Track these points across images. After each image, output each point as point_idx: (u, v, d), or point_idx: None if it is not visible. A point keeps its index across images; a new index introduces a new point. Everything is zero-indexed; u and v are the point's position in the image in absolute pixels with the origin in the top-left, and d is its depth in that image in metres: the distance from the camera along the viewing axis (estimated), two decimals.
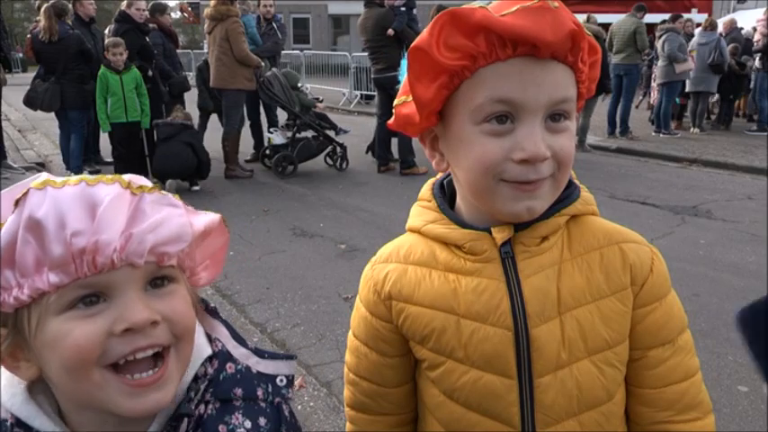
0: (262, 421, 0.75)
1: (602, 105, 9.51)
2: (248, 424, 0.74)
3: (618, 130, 9.92)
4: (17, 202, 0.60)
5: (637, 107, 10.63)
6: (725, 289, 3.99)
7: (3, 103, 7.64)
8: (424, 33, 0.78)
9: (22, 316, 0.63)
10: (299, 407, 2.70)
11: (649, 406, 0.88)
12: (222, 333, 0.80)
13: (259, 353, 0.81)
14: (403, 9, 7.24)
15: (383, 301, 0.91)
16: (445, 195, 0.94)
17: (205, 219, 0.74)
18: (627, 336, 0.86)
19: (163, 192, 0.68)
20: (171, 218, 0.67)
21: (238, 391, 0.75)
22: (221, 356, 0.77)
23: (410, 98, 0.82)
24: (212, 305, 0.82)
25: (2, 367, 0.68)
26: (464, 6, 0.76)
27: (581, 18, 9.68)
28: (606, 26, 9.82)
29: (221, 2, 6.89)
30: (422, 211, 0.93)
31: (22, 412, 0.66)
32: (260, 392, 0.77)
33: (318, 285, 4.09)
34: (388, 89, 7.03)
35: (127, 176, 0.66)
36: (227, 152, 7.25)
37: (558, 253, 0.85)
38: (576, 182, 0.90)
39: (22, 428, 0.65)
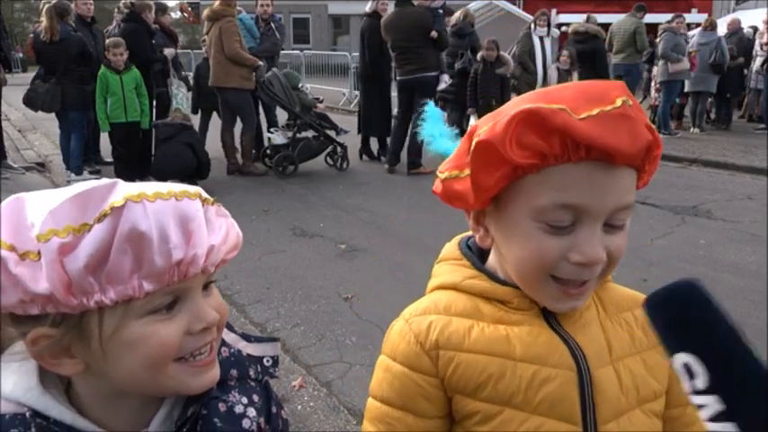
0: (255, 398, 0.82)
1: None
2: (245, 400, 0.81)
3: None
4: (107, 212, 0.62)
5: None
6: (725, 289, 3.99)
7: (3, 103, 7.64)
8: (498, 128, 0.75)
9: (91, 317, 0.65)
10: (299, 407, 2.71)
11: None
12: None
13: (246, 337, 0.88)
14: (441, 11, 7.24)
15: (427, 352, 0.84)
16: (474, 254, 0.92)
17: (236, 227, 0.80)
18: (665, 390, 0.86)
19: (217, 203, 0.75)
20: (230, 228, 0.75)
21: (234, 372, 0.82)
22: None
23: (463, 174, 0.81)
24: None
25: (3, 368, 0.70)
26: (545, 107, 0.73)
27: (581, 18, 9.71)
28: (606, 26, 9.82)
29: (222, 2, 6.92)
30: (454, 269, 0.91)
31: (39, 404, 0.69)
32: (252, 372, 0.84)
33: (318, 285, 4.09)
34: (419, 89, 6.94)
35: (194, 188, 0.71)
36: (244, 147, 7.39)
37: (595, 313, 0.86)
38: None
39: (41, 419, 0.68)
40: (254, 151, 8.03)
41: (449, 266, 0.92)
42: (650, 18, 10.47)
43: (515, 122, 0.74)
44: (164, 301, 0.68)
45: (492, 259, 0.90)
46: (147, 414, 0.75)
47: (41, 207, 0.63)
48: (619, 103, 0.72)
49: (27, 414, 0.68)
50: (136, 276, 0.64)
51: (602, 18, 10.58)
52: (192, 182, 6.59)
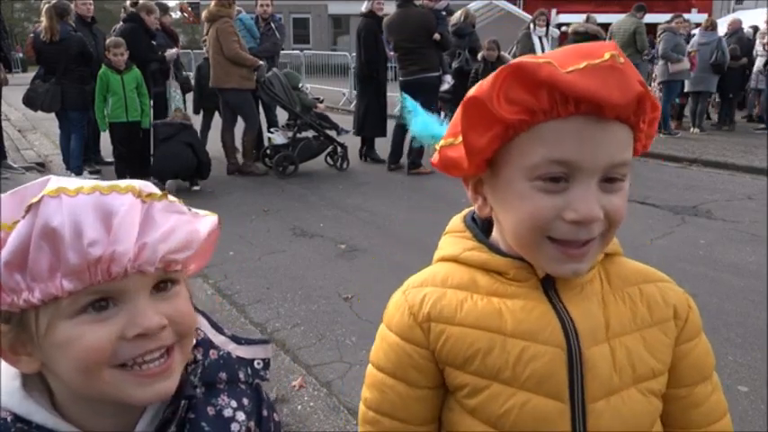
0: (245, 401, 0.80)
1: None
2: (234, 404, 0.79)
3: None
4: (29, 208, 0.60)
5: None
6: (725, 289, 3.99)
7: (3, 102, 7.64)
8: (485, 83, 0.75)
9: (29, 316, 0.64)
10: (299, 407, 2.71)
11: None
12: (202, 323, 0.84)
13: (236, 339, 0.86)
14: (444, 13, 7.25)
15: (419, 324, 0.86)
16: (478, 227, 0.92)
17: (207, 223, 0.75)
18: (668, 368, 0.86)
19: (171, 198, 0.70)
20: (180, 226, 0.69)
21: (222, 375, 0.80)
22: (204, 344, 0.81)
23: (458, 141, 0.80)
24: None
25: None
26: (529, 60, 0.73)
27: (581, 18, 9.72)
28: (606, 26, 9.82)
29: (216, 3, 6.95)
30: (456, 241, 0.91)
31: (21, 409, 0.67)
32: (241, 375, 0.82)
33: (318, 285, 4.09)
34: (421, 90, 6.93)
35: (137, 183, 0.67)
36: (245, 147, 7.39)
37: (599, 286, 0.85)
38: None
39: (22, 424, 0.67)
40: (254, 151, 8.04)
41: (452, 238, 0.92)
42: (650, 18, 10.46)
43: (502, 77, 0.74)
44: (88, 300, 0.64)
45: (494, 232, 0.90)
46: (131, 416, 0.72)
47: None
48: (607, 56, 0.72)
49: (8, 418, 0.67)
50: (58, 275, 0.61)
51: (601, 18, 10.59)
52: (192, 182, 6.60)
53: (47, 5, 6.73)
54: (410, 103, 0.99)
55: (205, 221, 0.75)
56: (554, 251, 0.77)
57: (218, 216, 0.79)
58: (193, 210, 0.75)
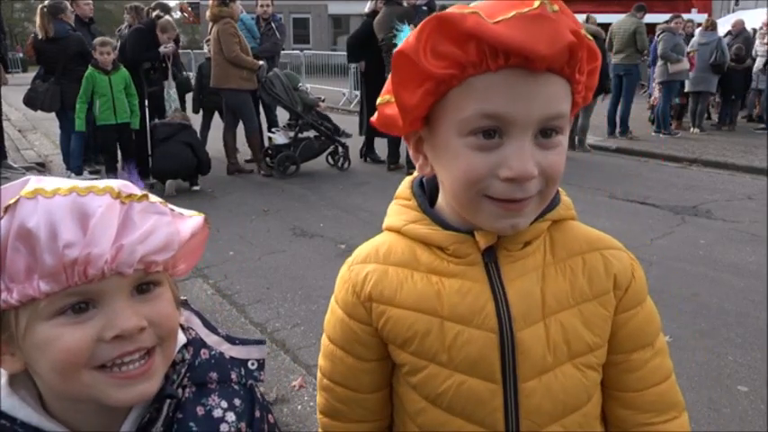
0: (237, 402, 0.80)
1: (602, 105, 9.51)
2: (224, 404, 0.78)
3: (618, 130, 9.93)
4: (6, 209, 0.60)
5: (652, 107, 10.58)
6: (725, 289, 3.99)
7: (3, 103, 7.64)
8: (410, 37, 0.73)
9: (9, 316, 0.64)
10: (299, 407, 2.71)
11: (631, 408, 0.88)
12: (195, 322, 0.84)
13: (230, 339, 0.85)
14: (425, 8, 7.24)
15: (362, 303, 0.88)
16: (425, 194, 0.90)
17: (191, 224, 0.75)
18: (606, 339, 0.86)
19: (152, 199, 0.69)
20: (159, 227, 0.68)
21: (213, 375, 0.79)
22: (195, 343, 0.80)
23: (393, 99, 0.79)
24: (183, 297, 0.84)
25: None
26: (455, 11, 0.71)
27: (580, 18, 9.71)
28: (606, 26, 9.82)
29: (215, 4, 6.97)
30: (401, 210, 0.90)
31: (5, 405, 0.68)
32: (234, 375, 0.82)
33: (318, 285, 4.09)
34: None
35: (116, 183, 0.66)
36: (252, 148, 7.43)
37: (541, 257, 0.84)
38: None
39: (6, 420, 0.67)
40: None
41: (397, 207, 0.92)
42: (650, 18, 10.46)
43: (427, 30, 0.72)
44: (66, 301, 0.63)
45: (440, 197, 0.88)
46: (116, 415, 0.72)
47: None
48: (536, 4, 0.68)
49: None
50: (35, 276, 0.61)
51: (601, 18, 10.59)
52: (192, 181, 6.60)
53: (40, 5, 6.73)
54: None
55: (188, 222, 0.74)
56: (491, 206, 0.76)
57: (204, 216, 0.78)
58: (178, 210, 0.74)
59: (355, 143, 8.09)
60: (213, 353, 0.81)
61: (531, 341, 0.81)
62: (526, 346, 0.81)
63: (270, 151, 7.53)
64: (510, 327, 0.81)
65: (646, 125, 10.74)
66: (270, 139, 7.63)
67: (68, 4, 7.08)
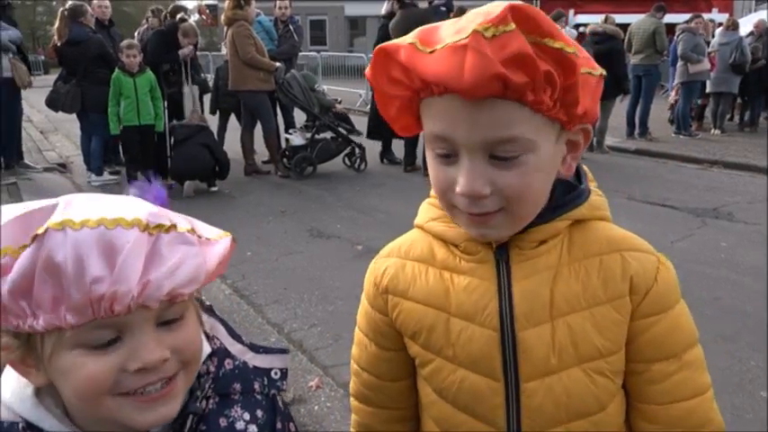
0: (259, 413, 0.80)
1: (621, 106, 9.43)
2: (247, 416, 0.78)
3: (637, 131, 9.84)
4: (35, 238, 0.60)
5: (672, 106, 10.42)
6: (747, 292, 3.93)
7: (25, 104, 7.77)
8: (369, 66, 0.79)
9: (36, 338, 0.65)
10: (316, 407, 2.71)
11: (654, 423, 0.85)
12: (220, 331, 0.84)
13: (254, 348, 0.86)
14: (443, 9, 7.23)
15: (381, 295, 0.93)
16: None
17: (219, 250, 0.73)
18: (622, 346, 0.83)
19: (180, 228, 0.68)
20: (187, 259, 0.67)
21: (237, 386, 0.80)
22: (220, 353, 0.81)
23: None
24: (208, 303, 0.84)
25: (4, 374, 0.70)
26: (392, 44, 0.75)
27: (599, 19, 9.63)
28: (625, 27, 9.73)
29: (230, 7, 7.03)
30: (428, 208, 0.93)
31: (32, 416, 0.68)
32: (257, 386, 0.82)
33: (335, 286, 4.10)
34: None
35: (144, 211, 0.65)
36: (270, 149, 7.49)
37: (556, 257, 0.83)
38: (591, 185, 0.88)
39: (32, 430, 0.67)
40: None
41: (425, 205, 0.94)
42: (669, 18, 10.34)
43: (374, 60, 0.77)
44: (91, 333, 0.63)
45: None
46: (141, 429, 0.72)
47: (4, 215, 0.63)
48: (466, 33, 0.68)
49: (20, 424, 0.67)
50: (62, 307, 0.61)
51: (620, 18, 10.50)
52: (210, 182, 6.66)
53: (61, 8, 6.83)
54: None
55: (216, 249, 0.73)
56: (461, 215, 0.79)
57: (231, 237, 0.77)
58: (205, 234, 0.73)
59: (372, 144, 8.09)
60: (237, 363, 0.81)
61: (534, 341, 0.81)
62: (527, 346, 0.81)
63: (287, 152, 7.56)
64: (511, 326, 0.81)
65: (665, 126, 10.62)
66: (287, 140, 7.67)
67: (89, 7, 7.18)
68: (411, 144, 7.48)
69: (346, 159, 7.76)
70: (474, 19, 0.69)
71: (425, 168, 7.45)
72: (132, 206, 0.65)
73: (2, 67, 6.42)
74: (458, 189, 0.75)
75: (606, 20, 9.15)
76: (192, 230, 0.69)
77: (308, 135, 7.39)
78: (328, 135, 7.46)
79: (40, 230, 0.60)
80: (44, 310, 0.61)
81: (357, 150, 7.62)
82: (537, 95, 0.70)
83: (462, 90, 0.69)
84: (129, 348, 0.65)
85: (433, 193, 0.94)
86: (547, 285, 0.82)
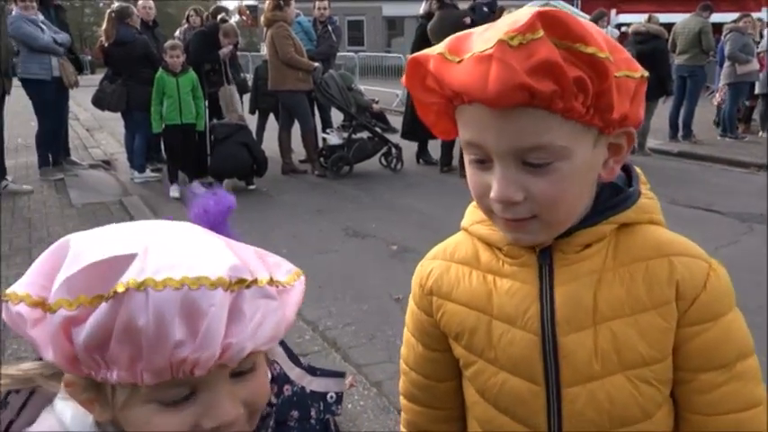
0: None
1: (664, 107, 9.20)
2: None
3: (680, 133, 9.59)
4: (114, 294, 0.57)
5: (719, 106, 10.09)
6: None
7: (72, 103, 8.02)
8: (405, 75, 0.80)
9: (106, 385, 0.63)
10: (349, 405, 2.72)
11: None
12: (279, 354, 0.84)
13: (311, 371, 0.85)
14: (485, 9, 7.20)
15: (426, 296, 0.94)
16: None
17: (296, 297, 0.71)
18: (668, 354, 0.81)
19: (260, 282, 0.64)
20: (268, 315, 0.64)
21: (294, 414, 0.80)
22: (279, 380, 0.80)
23: None
24: None
25: (61, 398, 0.69)
26: (422, 54, 0.76)
27: (642, 18, 9.42)
28: (669, 26, 9.50)
29: (270, 8, 7.14)
30: (473, 211, 0.93)
31: None
32: (313, 412, 0.82)
33: (370, 285, 4.11)
34: None
35: (225, 266, 0.61)
36: (307, 149, 7.55)
37: (601, 262, 0.81)
38: (643, 187, 0.86)
39: None
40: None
41: (471, 207, 0.94)
42: (716, 18, 10.05)
43: (408, 69, 0.79)
44: (167, 391, 0.61)
45: None
46: None
47: (79, 257, 0.60)
48: (491, 43, 0.68)
49: None
50: (139, 367, 0.58)
51: (664, 18, 10.25)
52: (248, 181, 6.75)
53: (109, 9, 7.03)
54: None
55: (293, 295, 0.70)
56: (498, 220, 0.80)
57: (303, 276, 0.74)
58: (280, 278, 0.69)
59: (409, 145, 8.08)
60: (295, 389, 0.81)
61: (575, 347, 0.80)
62: (569, 351, 0.80)
63: (324, 152, 7.62)
64: (552, 331, 0.81)
65: (710, 129, 10.32)
66: (324, 139, 7.72)
67: (134, 8, 7.37)
68: (447, 145, 7.45)
69: (382, 159, 7.77)
70: (502, 27, 0.69)
71: (462, 169, 7.44)
72: (214, 258, 0.62)
73: (51, 67, 6.62)
74: (491, 195, 0.76)
75: (650, 19, 8.94)
76: (271, 281, 0.66)
77: (345, 135, 7.43)
78: (365, 135, 7.49)
79: (120, 288, 0.57)
80: (119, 366, 0.59)
81: (393, 150, 7.62)
82: (567, 103, 0.69)
83: (487, 100, 0.69)
84: (203, 405, 0.63)
85: None
86: (590, 290, 0.80)
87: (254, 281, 0.63)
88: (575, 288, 0.81)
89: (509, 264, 0.85)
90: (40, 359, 0.66)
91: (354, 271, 4.40)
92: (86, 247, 0.61)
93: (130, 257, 0.59)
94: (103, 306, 0.57)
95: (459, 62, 0.71)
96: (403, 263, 4.51)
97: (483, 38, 0.70)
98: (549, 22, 0.67)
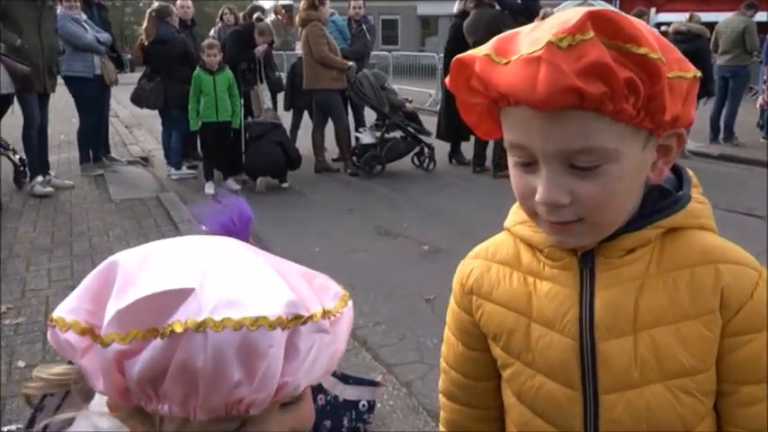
0: None
1: (704, 109, 8.98)
2: None
3: (721, 135, 9.34)
4: (171, 333, 0.56)
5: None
6: None
7: (112, 100, 8.21)
8: (449, 75, 0.79)
9: (155, 416, 0.62)
10: (379, 405, 2.73)
11: None
12: None
13: (345, 379, 0.85)
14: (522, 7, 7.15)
15: (466, 295, 0.94)
16: None
17: (345, 325, 0.69)
18: (711, 365, 0.78)
19: (315, 318, 0.62)
20: (322, 351, 0.63)
21: (327, 423, 0.80)
22: (314, 389, 0.79)
23: None
24: None
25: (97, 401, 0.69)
26: (468, 55, 0.75)
27: (683, 17, 9.21)
28: (711, 25, 9.27)
29: (304, 8, 7.21)
30: (516, 211, 0.92)
31: None
32: (345, 421, 0.82)
33: (401, 285, 4.11)
34: None
35: (281, 304, 0.59)
36: (341, 147, 7.63)
37: (644, 267, 0.79)
38: (694, 191, 0.83)
39: None
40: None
41: (515, 207, 0.93)
42: (761, 16, 9.76)
43: (452, 70, 0.78)
44: (229, 426, 0.60)
45: None
46: None
47: (129, 285, 0.58)
48: (540, 45, 0.66)
49: None
50: (193, 403, 0.57)
51: (706, 17, 10.00)
52: (281, 179, 6.82)
53: (149, 9, 7.19)
54: None
55: (343, 324, 0.69)
56: (543, 222, 0.79)
57: (351, 302, 0.73)
58: (332, 309, 0.67)
59: (442, 144, 8.06)
60: (328, 398, 0.81)
61: (614, 353, 0.78)
62: (607, 357, 0.79)
63: (357, 150, 7.65)
64: (591, 336, 0.79)
65: (753, 131, 10.02)
66: (357, 138, 7.75)
67: (173, 8, 7.52)
68: (481, 145, 7.39)
69: (415, 159, 7.77)
70: (551, 28, 0.67)
71: (495, 169, 7.35)
72: (270, 294, 0.60)
73: (94, 66, 6.79)
74: (537, 198, 0.74)
75: (691, 18, 8.73)
76: (324, 313, 0.64)
77: (378, 134, 7.45)
78: (398, 134, 7.49)
79: (178, 328, 0.56)
80: (172, 401, 0.58)
81: (426, 150, 7.61)
82: (617, 105, 0.68)
83: (535, 103, 0.68)
84: None
85: None
86: (631, 296, 0.78)
87: (310, 317, 0.61)
88: (615, 293, 0.79)
89: (549, 266, 0.84)
90: (71, 362, 0.65)
91: (385, 270, 4.41)
92: (136, 273, 0.59)
93: (186, 293, 0.58)
94: (159, 342, 0.56)
95: (507, 64, 0.69)
96: (434, 263, 4.50)
97: (530, 39, 0.69)
98: (599, 21, 0.66)
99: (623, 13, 0.70)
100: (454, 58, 0.77)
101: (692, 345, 0.77)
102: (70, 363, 0.66)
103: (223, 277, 0.60)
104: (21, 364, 3.02)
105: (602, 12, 0.67)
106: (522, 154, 0.75)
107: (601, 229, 0.77)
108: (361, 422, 0.84)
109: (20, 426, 2.54)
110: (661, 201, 0.81)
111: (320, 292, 0.68)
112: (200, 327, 0.56)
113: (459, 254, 0.99)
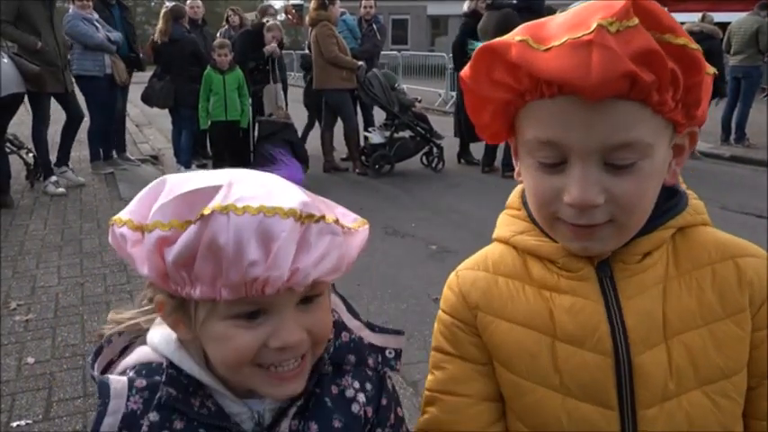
0: (368, 386, 0.83)
1: (716, 109, 8.91)
2: (357, 385, 0.82)
3: (733, 136, 9.27)
4: (201, 216, 0.65)
5: None
6: None
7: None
8: (468, 66, 0.74)
9: (190, 303, 0.71)
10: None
11: None
12: (339, 306, 0.88)
13: (370, 326, 0.87)
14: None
15: (470, 309, 0.86)
16: None
17: (359, 240, 0.77)
18: (745, 364, 0.76)
19: (328, 218, 0.71)
20: (332, 249, 0.71)
21: (351, 358, 0.83)
22: (338, 326, 0.84)
23: None
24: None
25: (155, 324, 0.80)
26: (501, 41, 0.70)
27: (695, 17, 9.14)
28: (724, 25, 9.19)
29: (314, 8, 7.24)
30: (510, 221, 0.87)
31: (174, 357, 0.76)
32: (371, 361, 0.84)
33: (408, 285, 4.11)
34: None
35: (297, 202, 0.68)
36: (350, 149, 7.63)
37: (663, 270, 0.77)
38: (683, 188, 0.82)
39: (174, 370, 0.76)
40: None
41: (506, 217, 0.89)
42: None
43: (477, 60, 0.73)
44: (242, 309, 0.69)
45: None
46: None
47: (173, 189, 0.68)
48: (591, 28, 0.63)
49: (163, 363, 0.76)
50: (218, 283, 0.66)
51: (718, 17, 9.92)
52: None
53: (164, 9, 7.23)
54: None
55: (357, 238, 0.77)
56: (563, 228, 0.74)
57: (368, 226, 0.80)
58: (347, 224, 0.76)
59: (452, 144, 8.05)
60: (353, 337, 0.84)
61: (651, 366, 0.74)
62: (644, 371, 0.75)
63: (365, 150, 7.65)
64: (627, 350, 0.75)
65: (764, 132, 9.94)
66: (366, 137, 7.75)
67: (185, 8, 7.57)
68: (491, 145, 7.37)
69: (424, 158, 7.76)
70: (593, 13, 0.64)
71: (504, 170, 7.31)
72: (287, 194, 0.69)
73: (104, 65, 6.83)
74: (567, 199, 0.70)
75: (703, 18, 8.67)
76: (337, 221, 0.73)
77: (387, 133, 7.45)
78: (407, 134, 7.49)
79: (206, 211, 0.64)
80: (202, 282, 0.66)
81: (435, 150, 7.60)
82: (662, 95, 0.66)
83: (587, 89, 0.64)
84: (272, 326, 0.70)
85: (510, 203, 0.90)
86: (658, 302, 0.75)
87: (322, 217, 0.70)
88: (643, 301, 0.75)
89: (566, 278, 0.79)
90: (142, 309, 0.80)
91: (393, 270, 4.41)
92: (179, 182, 0.70)
93: (216, 188, 0.67)
94: (191, 228, 0.65)
95: (548, 50, 0.66)
96: (442, 263, 4.50)
97: (569, 24, 0.66)
98: (640, 9, 0.64)
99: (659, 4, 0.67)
100: (481, 45, 0.72)
101: (726, 346, 0.75)
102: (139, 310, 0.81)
103: (250, 181, 0.70)
104: (30, 360, 3.05)
105: (641, 1, 0.65)
106: (552, 152, 0.71)
107: (627, 230, 0.74)
108: (388, 367, 0.85)
109: (29, 421, 2.57)
110: (668, 201, 0.79)
111: (339, 214, 0.76)
112: (225, 210, 0.64)
113: (467, 254, 0.95)
